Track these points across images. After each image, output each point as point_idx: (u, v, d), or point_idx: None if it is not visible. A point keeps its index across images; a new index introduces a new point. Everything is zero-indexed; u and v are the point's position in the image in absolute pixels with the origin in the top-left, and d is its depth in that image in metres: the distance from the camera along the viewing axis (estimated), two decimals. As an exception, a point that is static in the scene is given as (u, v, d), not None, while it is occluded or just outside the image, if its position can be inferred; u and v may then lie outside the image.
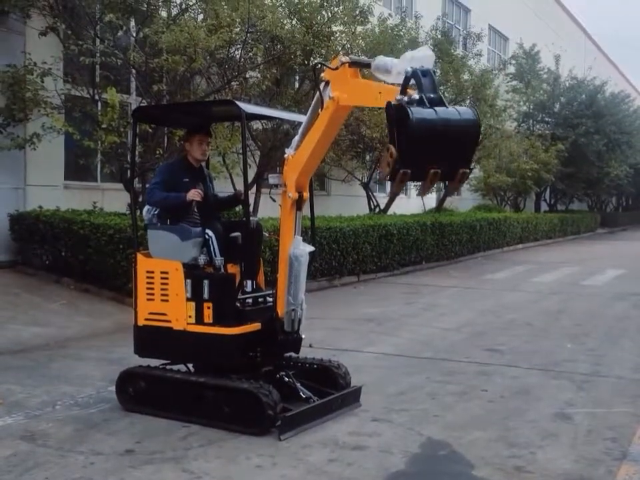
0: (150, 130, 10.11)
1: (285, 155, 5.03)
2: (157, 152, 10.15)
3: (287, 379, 5.34)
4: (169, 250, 5.38)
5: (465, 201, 25.50)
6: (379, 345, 7.83)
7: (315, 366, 5.66)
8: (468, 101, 18.40)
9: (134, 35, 10.61)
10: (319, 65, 4.91)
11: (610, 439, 4.91)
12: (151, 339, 5.43)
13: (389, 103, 4.03)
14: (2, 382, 6.07)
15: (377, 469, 4.31)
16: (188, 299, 5.20)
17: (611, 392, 6.14)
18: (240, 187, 12.35)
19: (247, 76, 11.36)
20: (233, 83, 11.03)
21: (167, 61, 9.61)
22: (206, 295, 5.15)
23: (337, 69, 4.67)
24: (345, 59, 4.66)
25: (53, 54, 10.02)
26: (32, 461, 4.34)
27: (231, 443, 4.70)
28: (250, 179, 12.77)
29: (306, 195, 5.13)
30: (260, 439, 4.75)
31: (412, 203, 21.77)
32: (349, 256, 12.81)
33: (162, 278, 5.33)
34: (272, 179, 5.14)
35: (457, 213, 20.34)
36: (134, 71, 10.62)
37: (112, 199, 11.41)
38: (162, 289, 5.33)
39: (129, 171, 10.55)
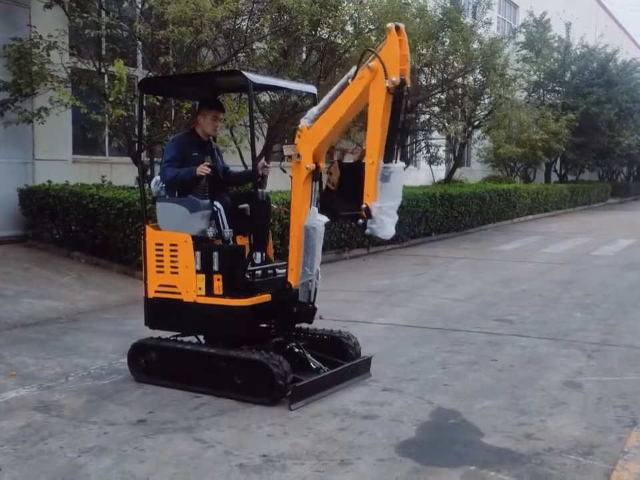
0: (157, 103, 10.06)
1: (300, 126, 4.93)
2: (165, 125, 10.10)
3: (297, 350, 5.37)
4: (177, 222, 5.38)
5: (474, 172, 25.36)
6: (389, 316, 7.85)
7: (325, 337, 5.68)
8: (477, 70, 18.20)
9: (139, 6, 10.51)
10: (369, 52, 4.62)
11: (620, 407, 4.92)
12: (161, 310, 5.46)
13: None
14: (15, 354, 6.14)
15: (388, 437, 4.34)
16: (198, 271, 5.20)
17: (622, 360, 6.13)
18: (248, 160, 12.31)
19: (254, 47, 11.24)
20: (239, 55, 10.92)
21: (173, 33, 9.51)
22: (216, 267, 5.15)
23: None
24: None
25: (58, 27, 9.94)
26: (46, 430, 4.40)
27: (243, 412, 4.74)
28: (258, 152, 12.74)
29: (322, 165, 5.06)
30: (271, 408, 4.79)
31: (421, 174, 21.66)
32: (358, 228, 12.75)
33: (171, 250, 5.33)
34: (286, 149, 5.06)
35: (467, 184, 20.23)
36: (140, 43, 10.54)
37: (120, 173, 11.41)
38: (171, 261, 5.33)
39: (136, 144, 10.53)
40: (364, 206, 4.46)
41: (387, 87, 4.39)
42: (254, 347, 5.10)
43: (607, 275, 11.07)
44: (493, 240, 16.39)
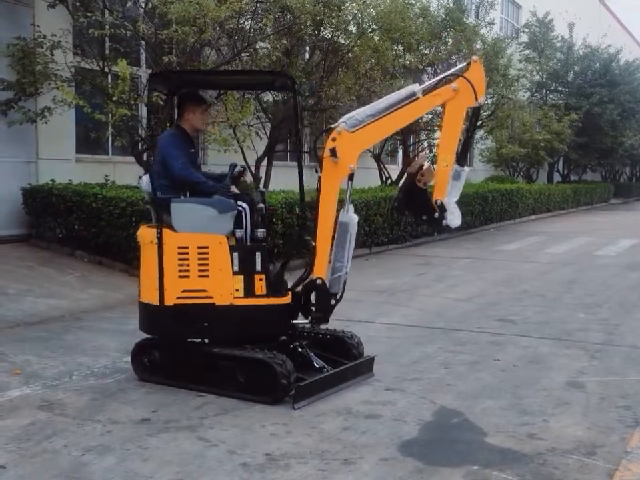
0: (161, 102, 10.06)
1: (338, 129, 4.98)
2: (168, 124, 10.10)
3: (300, 349, 5.37)
4: (201, 223, 5.16)
5: (477, 172, 25.34)
6: (392, 316, 7.86)
7: (328, 336, 5.69)
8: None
9: (143, 5, 10.53)
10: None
11: (623, 407, 4.92)
12: (185, 317, 5.17)
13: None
14: (19, 353, 6.15)
15: (391, 436, 4.35)
16: (235, 273, 5.08)
17: (625, 361, 6.14)
18: (250, 158, 12.33)
19: (257, 47, 11.25)
20: (242, 54, 10.94)
21: (177, 32, 9.52)
22: (259, 267, 5.12)
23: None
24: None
25: (61, 26, 9.96)
26: (50, 429, 4.41)
27: (246, 412, 4.75)
28: (261, 151, 12.75)
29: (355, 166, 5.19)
30: (274, 408, 4.80)
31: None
32: (360, 228, 12.73)
33: (200, 253, 5.11)
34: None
35: (469, 184, 20.21)
36: (143, 42, 10.55)
37: (123, 172, 11.42)
38: (200, 264, 5.11)
39: (139, 144, 10.55)
40: (438, 202, 5.02)
41: (476, 105, 5.13)
42: (257, 347, 5.10)
43: (610, 275, 11.07)
44: (496, 240, 16.39)
